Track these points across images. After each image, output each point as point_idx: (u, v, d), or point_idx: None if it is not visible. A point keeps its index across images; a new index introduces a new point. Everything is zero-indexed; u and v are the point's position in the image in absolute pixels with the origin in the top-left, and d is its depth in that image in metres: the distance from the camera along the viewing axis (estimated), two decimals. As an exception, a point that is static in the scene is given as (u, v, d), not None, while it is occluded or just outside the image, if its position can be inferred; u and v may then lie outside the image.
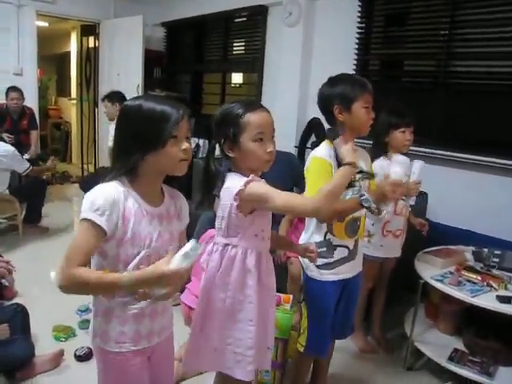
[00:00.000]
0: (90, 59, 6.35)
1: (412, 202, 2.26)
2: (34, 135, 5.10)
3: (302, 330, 1.93)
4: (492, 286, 2.20)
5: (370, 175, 1.81)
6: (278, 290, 2.30)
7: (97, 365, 1.33)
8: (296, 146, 4.12)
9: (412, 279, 2.42)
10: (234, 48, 5.41)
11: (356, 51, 3.83)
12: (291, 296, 2.36)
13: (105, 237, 1.17)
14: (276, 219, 1.91)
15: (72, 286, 1.13)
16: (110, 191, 1.18)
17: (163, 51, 6.17)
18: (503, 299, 2.08)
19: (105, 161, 5.60)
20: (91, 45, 6.33)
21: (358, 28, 3.81)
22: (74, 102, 7.45)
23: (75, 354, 2.37)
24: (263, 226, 1.49)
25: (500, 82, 3.14)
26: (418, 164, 2.18)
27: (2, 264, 1.99)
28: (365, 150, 1.94)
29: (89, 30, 6.19)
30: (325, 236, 1.79)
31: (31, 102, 5.31)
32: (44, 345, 2.40)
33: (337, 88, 1.75)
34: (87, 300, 2.77)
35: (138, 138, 1.18)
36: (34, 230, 4.25)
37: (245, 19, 5.10)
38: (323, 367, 2.12)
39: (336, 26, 3.93)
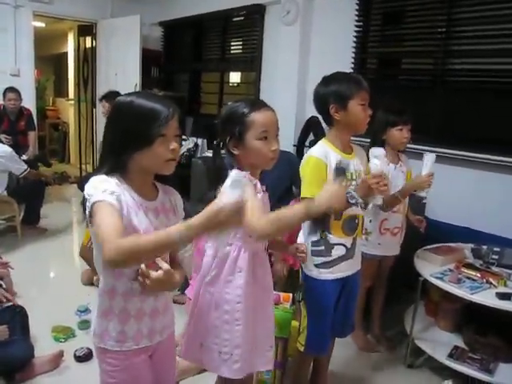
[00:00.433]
0: (87, 59, 6.34)
1: (424, 194, 2.24)
2: (32, 136, 5.08)
3: (301, 329, 1.93)
4: (491, 283, 2.20)
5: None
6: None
7: (98, 364, 1.33)
8: (294, 145, 4.12)
9: (411, 277, 2.42)
10: (232, 47, 5.41)
11: (353, 49, 3.83)
12: (291, 295, 2.35)
13: (121, 215, 1.13)
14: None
15: (123, 255, 1.03)
16: (107, 179, 1.18)
17: (161, 50, 6.17)
18: (503, 296, 2.08)
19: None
20: (88, 45, 6.32)
21: (356, 26, 3.80)
22: (72, 102, 7.44)
23: (75, 355, 2.37)
24: None
25: (497, 79, 3.15)
26: (429, 156, 2.18)
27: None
28: (361, 148, 1.94)
29: (86, 30, 6.18)
30: (321, 234, 1.79)
31: (29, 102, 5.29)
32: (43, 346, 2.40)
33: (332, 87, 1.74)
34: (86, 300, 2.80)
35: (127, 134, 1.18)
36: (33, 231, 4.24)
37: (242, 18, 5.10)
38: (323, 366, 2.12)
39: (333, 24, 3.93)
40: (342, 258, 1.81)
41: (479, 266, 2.38)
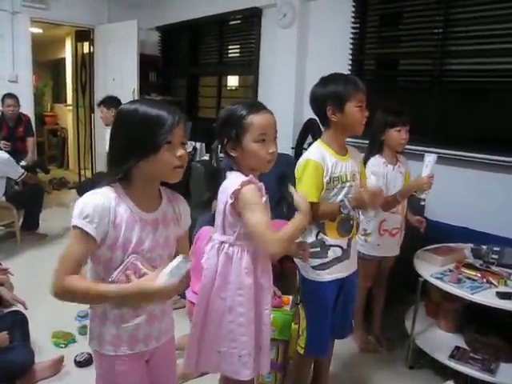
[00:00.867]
0: (85, 65, 6.35)
1: (424, 196, 2.24)
2: (31, 142, 5.08)
3: (300, 332, 1.93)
4: (491, 283, 2.20)
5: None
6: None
7: (95, 368, 1.33)
8: (293, 148, 4.13)
9: (411, 278, 2.42)
10: (230, 51, 5.42)
11: (351, 51, 3.83)
12: (290, 297, 2.35)
13: (95, 243, 1.16)
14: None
15: (63, 294, 1.16)
16: (99, 199, 1.17)
17: (158, 55, 6.18)
18: (503, 295, 2.08)
19: (102, 166, 5.59)
20: (86, 50, 6.33)
21: (353, 28, 3.81)
22: (70, 108, 7.45)
23: (75, 360, 2.37)
24: None
25: (495, 79, 3.15)
26: (430, 158, 2.18)
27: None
28: (356, 150, 1.94)
29: (83, 35, 6.19)
30: (317, 236, 1.79)
31: (27, 108, 5.29)
32: (44, 351, 2.40)
33: (329, 89, 1.74)
34: (86, 306, 2.78)
35: (133, 142, 1.17)
36: (32, 237, 4.24)
37: (239, 22, 5.12)
38: (324, 367, 2.12)
39: (330, 26, 3.94)
40: (338, 259, 1.82)
41: (479, 266, 2.38)
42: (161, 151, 1.16)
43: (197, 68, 5.79)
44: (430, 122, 3.35)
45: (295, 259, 1.87)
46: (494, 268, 2.36)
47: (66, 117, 7.85)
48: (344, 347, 2.51)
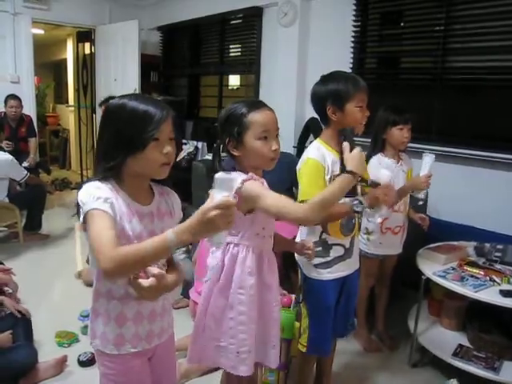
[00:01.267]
0: (86, 65, 6.35)
1: (422, 195, 2.24)
2: (33, 143, 5.09)
3: (302, 330, 1.92)
4: (495, 281, 2.19)
5: (375, 184, 1.75)
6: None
7: (98, 367, 1.32)
8: (295, 147, 4.12)
9: (414, 276, 2.41)
10: (231, 50, 5.41)
11: (352, 50, 3.83)
12: (293, 296, 2.35)
13: (115, 222, 1.12)
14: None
15: (115, 267, 1.03)
16: (100, 186, 1.16)
17: (159, 55, 6.17)
18: (506, 293, 2.07)
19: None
20: (87, 51, 6.33)
21: (354, 26, 3.81)
22: (72, 108, 7.45)
23: (78, 360, 2.37)
24: (264, 224, 1.49)
25: (497, 76, 3.14)
26: (428, 158, 2.18)
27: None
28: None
29: (84, 36, 6.19)
30: (320, 235, 1.78)
31: (29, 109, 5.31)
32: (47, 351, 2.39)
33: (329, 88, 1.73)
34: (89, 305, 2.78)
35: (119, 138, 1.15)
36: (35, 238, 4.24)
37: (240, 21, 5.11)
38: (327, 366, 2.11)
39: (331, 24, 3.94)
40: (340, 258, 1.81)
41: (482, 264, 2.37)
42: (147, 148, 1.14)
43: (198, 67, 5.78)
44: (432, 119, 3.34)
45: (297, 257, 1.87)
46: (497, 266, 2.35)
47: (68, 117, 7.86)
48: (347, 346, 2.51)
